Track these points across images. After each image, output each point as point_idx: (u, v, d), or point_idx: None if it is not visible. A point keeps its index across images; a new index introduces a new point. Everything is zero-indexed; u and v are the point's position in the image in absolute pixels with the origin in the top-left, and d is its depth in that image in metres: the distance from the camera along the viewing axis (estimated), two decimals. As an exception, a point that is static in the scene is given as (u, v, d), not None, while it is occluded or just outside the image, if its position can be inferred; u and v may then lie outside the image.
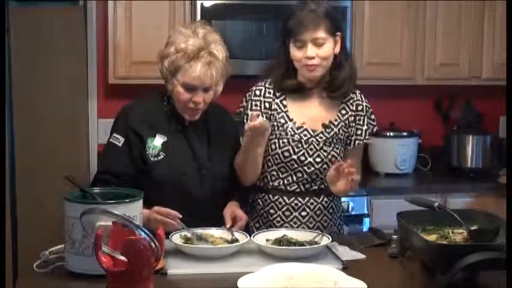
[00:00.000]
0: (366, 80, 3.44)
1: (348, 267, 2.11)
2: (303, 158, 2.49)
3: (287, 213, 2.53)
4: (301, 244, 2.24)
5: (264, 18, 3.71)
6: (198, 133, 2.53)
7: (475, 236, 1.99)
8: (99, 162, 2.68)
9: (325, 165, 2.49)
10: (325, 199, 2.55)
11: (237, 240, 2.28)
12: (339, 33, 2.48)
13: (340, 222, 2.66)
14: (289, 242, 2.25)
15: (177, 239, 2.26)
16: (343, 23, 3.69)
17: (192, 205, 2.46)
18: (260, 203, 2.57)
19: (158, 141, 2.46)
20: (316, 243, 2.26)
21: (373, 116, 2.58)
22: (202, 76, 2.38)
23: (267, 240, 2.29)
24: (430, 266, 2.00)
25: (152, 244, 1.75)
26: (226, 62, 2.46)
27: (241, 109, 2.58)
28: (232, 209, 2.47)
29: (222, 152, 2.55)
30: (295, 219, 2.53)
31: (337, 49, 2.48)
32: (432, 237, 2.06)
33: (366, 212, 3.70)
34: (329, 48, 2.44)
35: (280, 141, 2.50)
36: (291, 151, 2.49)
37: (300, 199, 2.53)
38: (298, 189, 2.52)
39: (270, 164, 2.53)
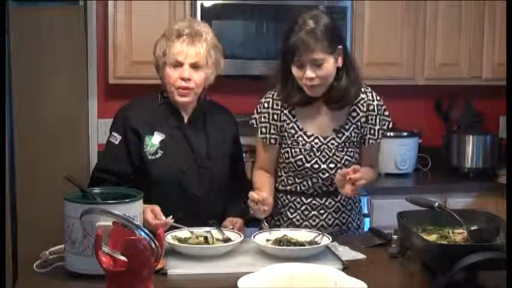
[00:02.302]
0: (366, 80, 3.42)
1: (348, 267, 2.11)
2: (316, 166, 2.50)
3: (306, 212, 2.56)
4: (301, 244, 2.24)
5: (264, 18, 3.71)
6: (197, 131, 2.53)
7: (475, 236, 1.98)
8: (98, 160, 2.69)
9: (339, 170, 2.47)
10: (343, 197, 2.56)
11: (229, 239, 2.29)
12: (340, 47, 2.41)
13: (360, 218, 2.68)
14: (289, 242, 2.25)
15: (169, 239, 2.25)
16: (343, 23, 3.69)
17: (190, 203, 2.46)
18: (279, 203, 2.60)
19: (156, 139, 2.47)
20: (316, 243, 2.26)
21: (386, 113, 2.56)
22: (186, 50, 2.41)
23: (267, 240, 2.29)
24: (430, 266, 2.00)
25: (152, 244, 1.75)
26: (216, 49, 2.48)
27: (254, 121, 2.58)
28: (229, 220, 2.49)
29: (221, 151, 2.55)
30: (314, 217, 2.56)
31: (340, 63, 2.43)
32: (432, 237, 2.06)
33: (366, 212, 3.69)
34: (330, 66, 2.39)
35: (293, 150, 2.51)
36: (304, 160, 2.50)
37: (318, 199, 2.55)
38: (315, 192, 2.55)
39: (285, 171, 2.57)
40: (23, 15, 3.60)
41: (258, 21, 3.71)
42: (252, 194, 2.34)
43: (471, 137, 4.13)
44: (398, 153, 4.04)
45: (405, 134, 4.12)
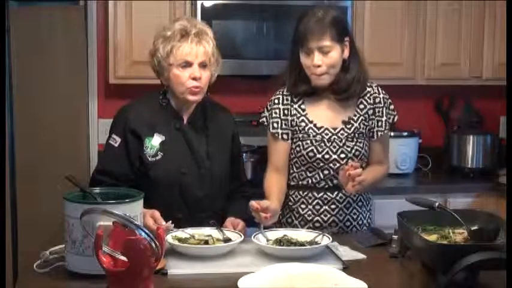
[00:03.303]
0: (366, 80, 3.44)
1: (348, 267, 2.11)
2: (327, 156, 2.56)
3: (317, 207, 2.60)
4: (301, 244, 2.25)
5: (264, 18, 3.70)
6: (197, 132, 2.52)
7: (475, 236, 1.98)
8: (98, 162, 2.69)
9: (350, 160, 2.55)
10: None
11: (229, 239, 2.29)
12: (347, 39, 2.53)
13: (370, 216, 2.72)
14: (289, 242, 2.25)
15: (169, 239, 2.25)
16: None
17: (191, 204, 2.46)
18: (291, 199, 2.64)
19: (156, 140, 2.46)
20: (316, 243, 2.26)
21: (392, 107, 2.66)
22: (194, 50, 2.41)
23: (267, 240, 2.29)
24: (430, 266, 2.00)
25: (152, 244, 1.75)
26: (217, 47, 2.49)
27: (264, 119, 2.65)
28: (231, 221, 2.47)
29: (220, 151, 2.55)
30: (325, 212, 2.60)
31: (346, 54, 2.54)
32: (432, 237, 2.06)
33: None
34: (336, 55, 2.50)
35: (304, 142, 2.58)
36: (315, 151, 2.56)
37: (329, 193, 2.60)
38: (326, 186, 2.59)
39: (297, 165, 2.61)
40: (23, 15, 3.60)
41: (258, 21, 3.71)
42: (252, 204, 2.35)
43: (471, 137, 4.13)
44: (399, 153, 4.03)
45: (405, 134, 4.12)
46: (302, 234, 2.34)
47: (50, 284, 2.00)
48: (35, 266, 2.09)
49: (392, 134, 4.05)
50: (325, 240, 2.27)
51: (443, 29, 4.03)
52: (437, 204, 2.15)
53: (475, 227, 2.02)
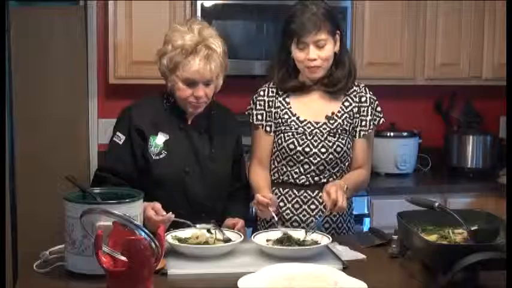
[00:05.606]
0: (366, 80, 3.42)
1: (348, 267, 2.11)
2: (307, 149, 2.55)
3: (296, 205, 2.58)
4: (301, 244, 2.25)
5: (264, 18, 3.71)
6: (201, 132, 2.53)
7: (475, 236, 1.98)
8: (101, 160, 2.69)
9: (330, 155, 2.54)
10: None
11: (229, 239, 2.29)
12: (338, 32, 2.55)
13: (351, 221, 2.69)
14: (289, 242, 2.25)
15: (169, 239, 2.24)
16: (343, 23, 3.70)
17: (192, 203, 2.46)
18: None
19: (160, 139, 2.46)
20: (316, 243, 2.26)
21: (379, 108, 2.64)
22: (202, 70, 2.39)
23: (267, 240, 2.29)
24: (430, 266, 2.00)
25: (152, 244, 1.75)
26: (225, 55, 2.47)
27: (249, 111, 2.65)
28: (231, 220, 2.48)
29: (223, 153, 2.55)
30: (304, 212, 2.57)
31: (337, 47, 2.55)
32: (432, 237, 2.06)
33: (366, 212, 3.70)
34: (330, 48, 2.51)
35: (285, 135, 2.57)
36: (296, 143, 2.55)
37: (309, 192, 2.57)
38: (307, 182, 2.57)
39: (279, 160, 2.60)
40: (23, 15, 3.60)
41: (258, 21, 3.71)
42: (262, 200, 2.36)
43: (471, 137, 4.14)
44: (399, 153, 4.04)
45: (405, 134, 4.13)
46: (302, 234, 2.34)
47: (50, 284, 2.00)
48: (35, 266, 2.09)
49: (392, 134, 4.08)
50: (325, 240, 2.27)
51: (443, 29, 4.04)
52: (437, 204, 2.15)
53: (475, 227, 2.03)
